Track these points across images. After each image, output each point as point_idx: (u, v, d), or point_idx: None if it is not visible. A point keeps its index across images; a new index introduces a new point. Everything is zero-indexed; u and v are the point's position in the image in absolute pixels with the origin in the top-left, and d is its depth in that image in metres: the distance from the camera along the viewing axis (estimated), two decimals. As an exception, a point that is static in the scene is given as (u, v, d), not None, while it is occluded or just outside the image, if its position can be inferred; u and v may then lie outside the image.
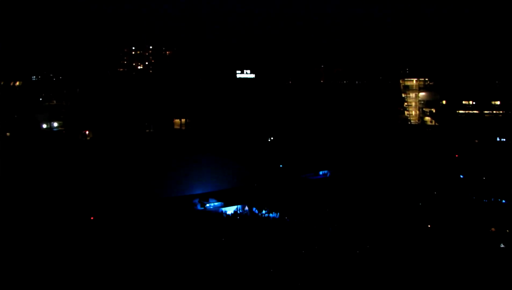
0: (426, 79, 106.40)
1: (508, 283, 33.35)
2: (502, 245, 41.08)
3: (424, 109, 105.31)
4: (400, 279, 34.97)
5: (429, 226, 46.17)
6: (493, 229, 44.88)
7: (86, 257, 38.74)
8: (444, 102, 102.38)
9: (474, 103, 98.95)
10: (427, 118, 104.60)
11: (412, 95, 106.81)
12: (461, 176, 65.13)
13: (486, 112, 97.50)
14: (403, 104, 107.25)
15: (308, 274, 35.83)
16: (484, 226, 45.48)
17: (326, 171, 72.44)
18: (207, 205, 55.78)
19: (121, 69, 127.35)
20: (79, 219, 48.54)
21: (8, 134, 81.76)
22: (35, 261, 38.06)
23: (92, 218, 49.09)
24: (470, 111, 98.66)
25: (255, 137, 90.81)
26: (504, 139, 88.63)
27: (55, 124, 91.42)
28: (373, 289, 34.26)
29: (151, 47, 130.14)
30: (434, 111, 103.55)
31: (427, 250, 39.56)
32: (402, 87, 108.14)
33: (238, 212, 53.55)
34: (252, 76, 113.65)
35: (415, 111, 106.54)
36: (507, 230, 44.17)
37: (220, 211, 53.91)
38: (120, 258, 38.93)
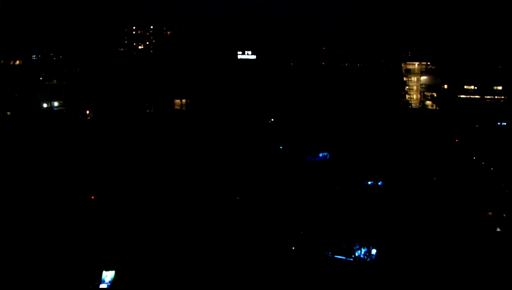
0: (428, 63, 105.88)
1: (506, 268, 33.73)
2: (498, 229, 41.45)
3: (425, 93, 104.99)
4: (395, 263, 35.35)
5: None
6: (490, 213, 45.19)
7: (88, 236, 39.14)
8: (445, 86, 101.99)
9: (475, 88, 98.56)
10: (428, 102, 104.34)
11: (414, 78, 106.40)
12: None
13: (487, 97, 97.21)
14: (405, 87, 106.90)
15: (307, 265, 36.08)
16: (481, 210, 45.80)
17: (326, 153, 72.58)
18: None
19: (122, 49, 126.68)
20: (79, 198, 48.89)
21: (8, 113, 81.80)
22: (36, 240, 38.48)
23: (92, 197, 49.43)
24: (472, 96, 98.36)
25: (255, 118, 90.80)
26: (505, 123, 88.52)
27: (56, 104, 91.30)
28: (373, 278, 34.60)
29: (152, 27, 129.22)
30: (435, 95, 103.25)
31: (424, 235, 39.90)
32: (404, 71, 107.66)
33: None
34: (254, 57, 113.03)
35: (416, 95, 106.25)
36: (504, 215, 44.48)
37: None
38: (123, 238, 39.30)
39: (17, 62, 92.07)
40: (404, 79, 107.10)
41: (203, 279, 33.61)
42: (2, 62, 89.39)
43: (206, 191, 52.14)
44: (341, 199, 50.54)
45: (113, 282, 32.57)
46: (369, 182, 56.79)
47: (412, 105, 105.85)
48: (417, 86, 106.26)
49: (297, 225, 42.40)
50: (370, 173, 60.24)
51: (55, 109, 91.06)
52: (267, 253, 36.97)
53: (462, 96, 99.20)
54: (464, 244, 38.22)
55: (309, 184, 55.40)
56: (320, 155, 72.20)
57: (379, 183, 56.73)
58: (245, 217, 45.15)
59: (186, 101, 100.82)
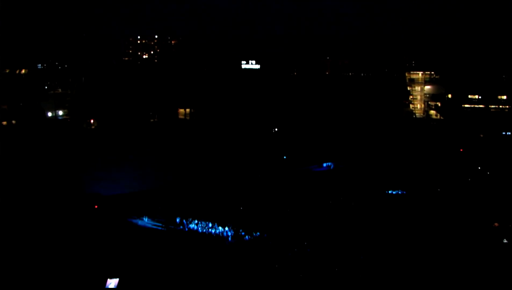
0: (432, 73, 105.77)
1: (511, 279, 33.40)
2: (505, 241, 41.08)
3: (429, 102, 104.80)
4: (401, 275, 35.03)
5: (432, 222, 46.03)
6: (496, 224, 44.83)
7: (91, 245, 39.10)
8: (449, 96, 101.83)
9: (480, 97, 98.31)
10: (432, 112, 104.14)
11: (418, 88, 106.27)
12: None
13: (492, 106, 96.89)
14: (409, 97, 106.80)
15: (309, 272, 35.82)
16: (487, 221, 45.45)
17: (329, 163, 72.43)
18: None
19: (126, 58, 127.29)
20: (83, 208, 48.93)
21: (14, 122, 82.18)
22: (41, 248, 38.46)
23: (96, 206, 49.47)
24: (476, 106, 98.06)
25: (259, 128, 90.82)
26: (509, 133, 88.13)
27: (60, 113, 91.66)
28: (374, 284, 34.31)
29: (156, 36, 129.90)
30: (439, 104, 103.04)
31: (430, 246, 39.59)
32: (407, 80, 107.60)
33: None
34: (257, 66, 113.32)
35: (420, 105, 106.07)
36: (511, 225, 44.10)
37: None
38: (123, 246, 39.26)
39: (23, 71, 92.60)
40: (408, 88, 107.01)
41: (206, 287, 33.58)
42: (8, 71, 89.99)
43: (210, 200, 52.12)
44: (345, 209, 50.35)
45: (117, 289, 32.62)
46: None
47: (416, 114, 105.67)
48: (421, 96, 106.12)
49: (301, 235, 42.24)
50: (375, 182, 60.08)
51: (60, 118, 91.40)
52: (270, 263, 36.79)
53: (466, 105, 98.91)
54: (471, 255, 37.90)
55: (313, 194, 55.24)
56: (324, 165, 72.06)
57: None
58: (249, 226, 45.03)
59: (190, 110, 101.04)
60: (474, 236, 41.51)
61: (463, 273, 34.90)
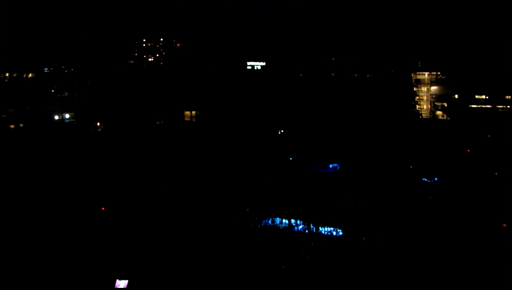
0: (438, 73, 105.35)
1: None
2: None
3: (435, 103, 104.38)
4: (406, 276, 34.90)
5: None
6: (504, 225, 44.55)
7: (98, 247, 39.24)
8: (456, 96, 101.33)
9: (487, 97, 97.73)
10: (439, 112, 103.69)
11: (424, 89, 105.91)
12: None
13: (499, 106, 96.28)
14: (415, 98, 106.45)
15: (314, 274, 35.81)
16: (496, 222, 45.17)
17: (336, 164, 72.32)
18: None
19: (132, 61, 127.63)
20: (90, 210, 49.13)
21: (21, 125, 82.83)
22: (49, 250, 38.65)
23: (103, 209, 49.65)
24: (483, 106, 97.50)
25: (265, 130, 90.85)
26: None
27: (67, 116, 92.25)
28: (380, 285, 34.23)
29: (161, 39, 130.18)
30: (446, 105, 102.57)
31: (436, 247, 39.42)
32: (413, 81, 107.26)
33: None
34: (263, 63, 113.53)
35: (427, 105, 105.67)
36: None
37: None
38: (130, 248, 39.34)
39: (30, 75, 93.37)
40: (414, 89, 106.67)
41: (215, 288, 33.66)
42: (15, 75, 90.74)
43: (216, 203, 52.18)
44: (351, 210, 50.26)
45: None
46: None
47: (423, 115, 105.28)
48: (427, 96, 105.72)
49: (307, 236, 42.21)
50: (381, 183, 59.90)
51: (66, 121, 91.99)
52: (276, 264, 36.78)
53: (473, 105, 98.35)
54: (479, 256, 37.68)
55: (319, 196, 55.16)
56: (330, 166, 71.97)
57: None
58: (256, 228, 45.05)
59: (196, 112, 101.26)
60: (482, 237, 41.27)
61: (471, 274, 34.70)
